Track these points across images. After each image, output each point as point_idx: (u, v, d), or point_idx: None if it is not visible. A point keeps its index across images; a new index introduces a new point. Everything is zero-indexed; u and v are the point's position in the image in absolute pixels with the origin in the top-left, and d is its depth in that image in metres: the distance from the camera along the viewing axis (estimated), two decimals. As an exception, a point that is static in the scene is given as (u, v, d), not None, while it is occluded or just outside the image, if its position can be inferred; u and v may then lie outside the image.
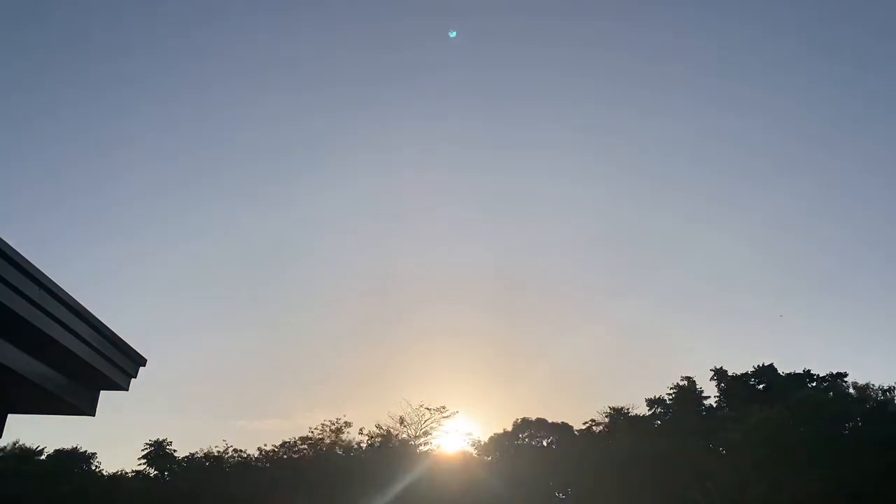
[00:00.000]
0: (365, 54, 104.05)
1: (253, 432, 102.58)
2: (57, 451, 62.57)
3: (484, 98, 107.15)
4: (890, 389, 50.91)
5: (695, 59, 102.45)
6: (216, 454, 60.47)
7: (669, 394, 64.17)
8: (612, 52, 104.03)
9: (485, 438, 64.37)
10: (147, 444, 61.17)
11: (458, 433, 62.52)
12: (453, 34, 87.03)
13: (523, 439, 65.61)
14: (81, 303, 5.46)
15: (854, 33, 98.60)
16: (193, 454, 60.98)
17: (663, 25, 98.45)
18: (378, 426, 61.85)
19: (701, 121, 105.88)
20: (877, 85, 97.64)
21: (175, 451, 61.65)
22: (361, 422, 69.96)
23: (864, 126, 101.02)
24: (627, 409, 63.08)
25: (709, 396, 65.09)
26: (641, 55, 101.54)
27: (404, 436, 61.72)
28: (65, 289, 5.21)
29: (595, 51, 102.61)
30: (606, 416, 62.69)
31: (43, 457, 61.71)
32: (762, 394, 60.58)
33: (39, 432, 78.94)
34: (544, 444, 65.27)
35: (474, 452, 62.91)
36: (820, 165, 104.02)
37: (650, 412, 64.23)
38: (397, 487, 52.17)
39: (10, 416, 6.39)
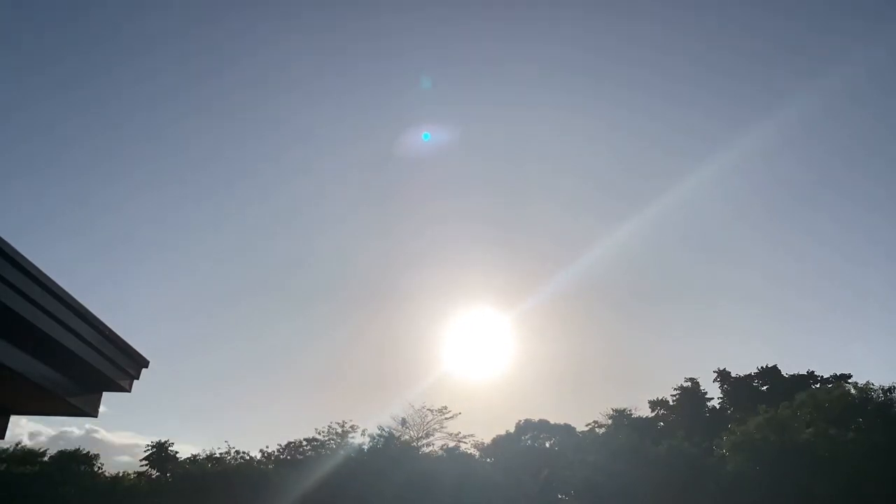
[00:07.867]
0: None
1: (254, 434, 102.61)
2: (59, 453, 62.53)
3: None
4: (891, 389, 50.62)
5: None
6: (218, 455, 60.34)
7: (673, 395, 64.01)
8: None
9: (487, 440, 64.22)
10: (149, 445, 61.19)
11: (460, 434, 62.39)
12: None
13: (525, 440, 65.38)
14: (83, 304, 5.42)
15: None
16: (196, 455, 60.93)
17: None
18: (380, 428, 61.70)
19: (704, 125, 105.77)
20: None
21: (177, 452, 61.62)
22: (362, 423, 69.71)
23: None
24: (630, 411, 62.89)
25: (712, 398, 64.97)
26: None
27: (406, 437, 61.54)
28: (67, 290, 5.17)
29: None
30: (609, 418, 62.44)
31: (45, 458, 61.65)
32: (766, 395, 60.39)
33: (41, 433, 79.04)
34: (547, 445, 65.04)
35: (476, 454, 62.69)
36: (822, 163, 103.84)
37: (653, 414, 64.04)
38: (399, 489, 52.02)
39: (12, 416, 6.36)
